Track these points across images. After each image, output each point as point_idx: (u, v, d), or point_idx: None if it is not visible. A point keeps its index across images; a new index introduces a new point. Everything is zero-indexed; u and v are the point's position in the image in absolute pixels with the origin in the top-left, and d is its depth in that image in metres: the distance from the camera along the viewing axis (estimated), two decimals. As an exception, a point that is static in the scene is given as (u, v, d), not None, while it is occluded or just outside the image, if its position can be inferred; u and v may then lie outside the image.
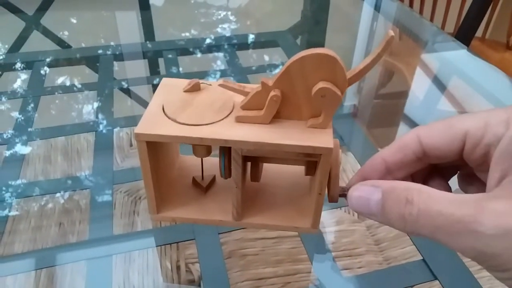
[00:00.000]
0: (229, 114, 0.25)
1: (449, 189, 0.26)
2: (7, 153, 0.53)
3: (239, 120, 0.25)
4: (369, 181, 0.23)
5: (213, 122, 0.25)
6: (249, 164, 0.29)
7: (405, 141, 0.24)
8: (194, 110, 0.26)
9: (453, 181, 0.27)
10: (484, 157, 0.22)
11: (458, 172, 0.26)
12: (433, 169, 0.26)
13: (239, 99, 0.26)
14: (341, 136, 0.56)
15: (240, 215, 0.28)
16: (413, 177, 0.26)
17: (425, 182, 0.26)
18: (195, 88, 0.27)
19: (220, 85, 0.25)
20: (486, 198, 0.19)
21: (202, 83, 0.27)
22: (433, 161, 0.24)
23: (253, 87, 0.25)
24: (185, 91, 0.26)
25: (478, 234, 0.18)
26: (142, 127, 0.24)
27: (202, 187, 0.30)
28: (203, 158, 0.29)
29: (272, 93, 0.24)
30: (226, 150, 0.26)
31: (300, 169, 0.29)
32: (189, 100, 0.26)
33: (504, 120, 0.21)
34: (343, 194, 0.25)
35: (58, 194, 0.48)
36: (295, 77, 0.23)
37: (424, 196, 0.20)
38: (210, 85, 0.27)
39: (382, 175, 0.25)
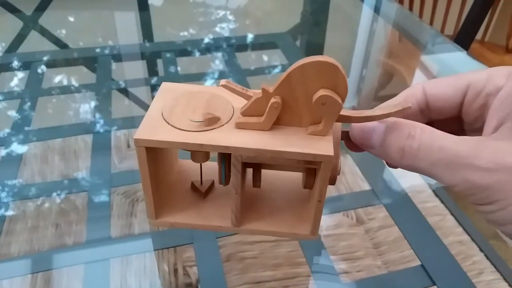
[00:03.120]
0: (229, 120, 0.25)
1: None
2: (4, 153, 0.53)
3: (239, 126, 0.25)
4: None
5: (213, 128, 0.25)
6: (249, 170, 0.28)
7: (411, 90, 0.25)
8: (194, 116, 0.25)
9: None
10: (482, 108, 0.23)
11: None
12: None
13: (239, 105, 0.25)
14: (340, 139, 0.56)
15: (239, 221, 0.28)
16: None
17: None
18: (211, 123, 0.25)
19: (222, 85, 0.25)
20: (486, 139, 0.20)
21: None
22: (434, 115, 0.25)
23: (255, 91, 0.25)
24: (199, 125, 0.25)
25: (474, 167, 0.19)
26: (142, 133, 0.24)
27: (201, 192, 0.30)
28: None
29: (272, 100, 0.24)
30: (226, 157, 0.26)
31: (299, 174, 0.29)
32: (188, 106, 0.26)
33: (506, 73, 0.22)
34: (346, 133, 0.25)
35: (55, 195, 0.48)
36: (296, 84, 0.23)
37: (428, 132, 0.21)
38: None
39: None
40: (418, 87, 0.25)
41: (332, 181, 0.26)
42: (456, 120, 0.25)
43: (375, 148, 0.23)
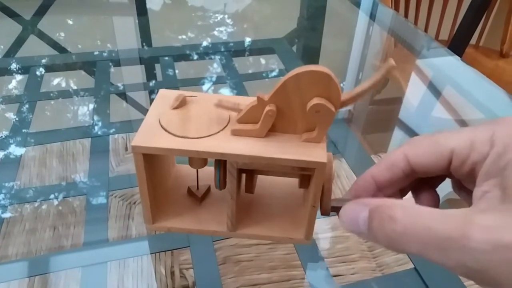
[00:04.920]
0: (225, 127, 0.26)
1: (437, 198, 0.27)
2: (3, 156, 0.53)
3: (235, 133, 0.25)
4: (359, 199, 0.23)
5: (209, 135, 0.25)
6: (244, 175, 0.29)
7: (392, 160, 0.24)
8: (190, 123, 0.26)
9: (441, 189, 0.28)
10: (471, 172, 0.22)
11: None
12: (421, 179, 0.26)
13: (235, 112, 0.26)
14: (334, 142, 0.57)
15: (235, 226, 0.28)
16: (402, 189, 0.27)
17: (414, 192, 0.27)
18: (182, 104, 0.27)
19: (216, 105, 0.26)
20: (473, 212, 0.18)
21: (189, 96, 0.28)
22: (421, 175, 0.25)
23: (247, 103, 0.25)
24: (173, 109, 0.27)
25: (468, 249, 0.17)
26: (139, 140, 0.25)
27: (197, 197, 0.30)
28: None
29: (267, 108, 0.24)
30: (221, 163, 0.27)
31: (294, 180, 0.30)
32: (185, 113, 0.27)
33: (488, 138, 0.21)
34: (336, 209, 0.25)
35: (53, 198, 0.48)
36: (291, 92, 0.24)
37: (409, 212, 0.19)
38: (196, 96, 0.28)
39: (373, 193, 0.25)
40: (399, 156, 0.24)
41: (325, 212, 0.26)
42: (448, 174, 0.24)
43: (366, 236, 0.21)
